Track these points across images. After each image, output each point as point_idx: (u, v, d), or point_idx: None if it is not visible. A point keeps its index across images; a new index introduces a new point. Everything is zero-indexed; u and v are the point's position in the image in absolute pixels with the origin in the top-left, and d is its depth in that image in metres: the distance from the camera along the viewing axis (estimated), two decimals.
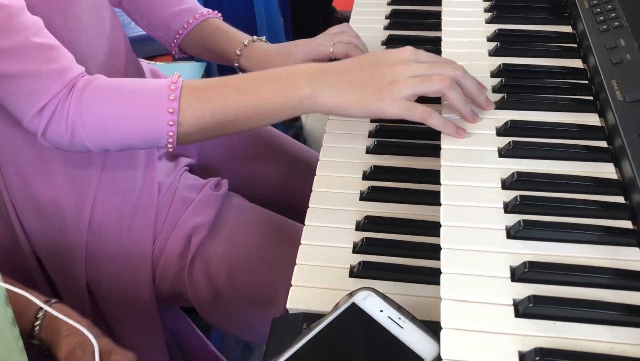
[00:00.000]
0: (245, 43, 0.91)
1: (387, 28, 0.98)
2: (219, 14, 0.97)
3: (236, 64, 0.92)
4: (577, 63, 0.78)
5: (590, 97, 0.72)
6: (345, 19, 2.54)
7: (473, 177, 0.64)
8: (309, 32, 2.26)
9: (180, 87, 0.71)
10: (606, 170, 0.64)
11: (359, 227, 0.69)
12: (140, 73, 0.98)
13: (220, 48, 0.93)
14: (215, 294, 0.89)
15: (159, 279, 0.90)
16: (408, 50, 0.70)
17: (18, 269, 0.90)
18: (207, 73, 1.54)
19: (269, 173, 1.04)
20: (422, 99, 0.70)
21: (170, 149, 0.73)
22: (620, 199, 0.61)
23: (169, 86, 0.71)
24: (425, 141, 0.78)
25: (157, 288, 0.91)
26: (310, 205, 0.72)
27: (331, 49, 0.86)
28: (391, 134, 0.79)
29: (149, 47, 1.75)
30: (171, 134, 0.71)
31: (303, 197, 1.02)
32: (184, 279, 0.89)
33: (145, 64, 1.02)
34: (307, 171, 1.02)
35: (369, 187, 0.72)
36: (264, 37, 0.93)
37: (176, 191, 0.91)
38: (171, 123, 0.70)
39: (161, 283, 0.90)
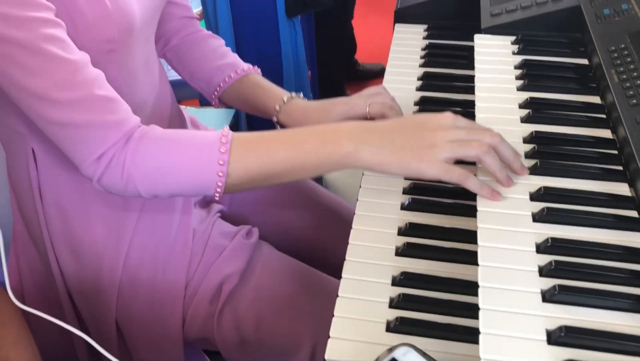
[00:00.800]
0: (285, 100, 0.94)
1: (419, 89, 1.01)
2: (259, 70, 1.02)
3: (275, 119, 0.95)
4: (607, 133, 0.81)
5: (621, 167, 0.75)
6: (367, 71, 2.63)
7: (509, 240, 0.67)
8: (333, 83, 2.33)
9: (231, 141, 0.74)
10: (638, 239, 0.66)
11: (395, 282, 0.71)
12: (182, 122, 1.02)
13: (260, 103, 0.97)
14: (242, 341, 0.91)
15: (188, 323, 0.92)
16: (448, 116, 0.73)
17: (50, 306, 0.92)
18: (236, 120, 1.59)
19: (299, 222, 1.06)
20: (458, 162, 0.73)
21: (217, 198, 0.75)
22: None
23: (220, 139, 0.74)
24: (457, 200, 0.80)
25: (185, 331, 0.92)
26: (347, 258, 0.74)
27: (367, 109, 0.89)
28: (425, 192, 0.82)
29: (178, 93, 1.80)
30: (220, 184, 0.74)
31: (331, 247, 1.04)
32: (213, 325, 0.90)
33: (185, 112, 1.06)
34: (337, 222, 1.05)
35: (404, 243, 0.75)
36: (302, 94, 0.97)
37: (209, 238, 0.93)
38: (221, 174, 0.73)
39: (190, 326, 0.92)
